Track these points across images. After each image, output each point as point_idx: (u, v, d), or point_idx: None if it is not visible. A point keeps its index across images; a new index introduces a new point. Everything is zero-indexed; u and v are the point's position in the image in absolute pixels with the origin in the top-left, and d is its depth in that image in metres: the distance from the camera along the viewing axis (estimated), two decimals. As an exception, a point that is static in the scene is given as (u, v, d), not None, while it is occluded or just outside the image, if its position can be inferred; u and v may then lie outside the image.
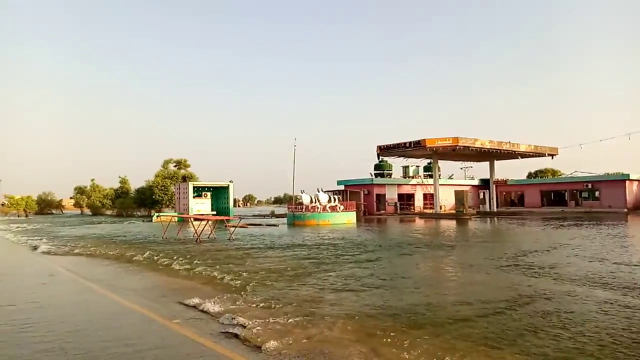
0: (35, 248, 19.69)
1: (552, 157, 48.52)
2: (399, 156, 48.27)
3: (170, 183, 64.79)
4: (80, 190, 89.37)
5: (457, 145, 40.29)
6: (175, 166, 69.47)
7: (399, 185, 53.45)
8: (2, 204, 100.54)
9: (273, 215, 55.89)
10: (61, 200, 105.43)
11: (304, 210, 35.87)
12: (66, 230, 34.14)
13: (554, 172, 72.31)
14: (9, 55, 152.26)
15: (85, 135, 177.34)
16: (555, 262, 12.24)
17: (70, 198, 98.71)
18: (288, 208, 40.26)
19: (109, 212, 78.08)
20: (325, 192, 38.10)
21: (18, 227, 39.73)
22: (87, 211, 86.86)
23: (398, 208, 51.13)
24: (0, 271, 12.97)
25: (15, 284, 10.58)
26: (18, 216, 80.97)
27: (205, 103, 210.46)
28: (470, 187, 55.44)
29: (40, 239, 24.28)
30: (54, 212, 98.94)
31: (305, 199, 36.27)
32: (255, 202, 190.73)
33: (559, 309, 7.05)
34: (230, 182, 50.97)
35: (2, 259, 16.83)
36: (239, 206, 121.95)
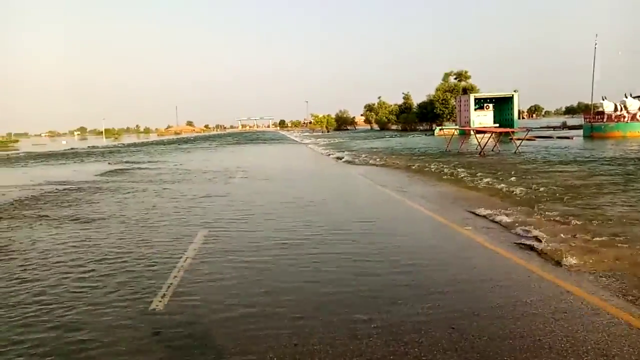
0: (339, 159, 22.99)
1: None
2: None
3: (451, 96, 64.53)
4: (369, 108, 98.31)
5: None
6: (455, 78, 68.55)
7: None
8: (310, 122, 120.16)
9: (565, 126, 50.09)
10: (354, 117, 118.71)
11: (605, 120, 30.85)
12: (359, 143, 38.58)
13: None
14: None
15: (369, 52, 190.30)
16: None
17: (361, 115, 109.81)
18: (584, 118, 35.40)
19: (394, 127, 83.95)
20: (635, 97, 31.59)
21: (323, 142, 46.91)
22: (375, 127, 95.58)
23: None
24: (319, 177, 15.82)
25: (329, 186, 12.75)
26: (322, 132, 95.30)
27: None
28: None
29: (343, 152, 28.13)
30: (348, 128, 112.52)
31: (608, 107, 31.10)
32: (542, 113, 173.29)
33: None
34: (514, 91, 47.47)
35: (318, 168, 20.36)
36: (523, 118, 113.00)
